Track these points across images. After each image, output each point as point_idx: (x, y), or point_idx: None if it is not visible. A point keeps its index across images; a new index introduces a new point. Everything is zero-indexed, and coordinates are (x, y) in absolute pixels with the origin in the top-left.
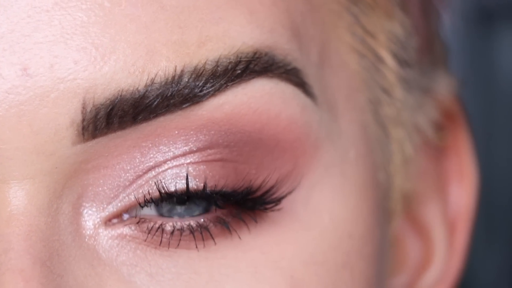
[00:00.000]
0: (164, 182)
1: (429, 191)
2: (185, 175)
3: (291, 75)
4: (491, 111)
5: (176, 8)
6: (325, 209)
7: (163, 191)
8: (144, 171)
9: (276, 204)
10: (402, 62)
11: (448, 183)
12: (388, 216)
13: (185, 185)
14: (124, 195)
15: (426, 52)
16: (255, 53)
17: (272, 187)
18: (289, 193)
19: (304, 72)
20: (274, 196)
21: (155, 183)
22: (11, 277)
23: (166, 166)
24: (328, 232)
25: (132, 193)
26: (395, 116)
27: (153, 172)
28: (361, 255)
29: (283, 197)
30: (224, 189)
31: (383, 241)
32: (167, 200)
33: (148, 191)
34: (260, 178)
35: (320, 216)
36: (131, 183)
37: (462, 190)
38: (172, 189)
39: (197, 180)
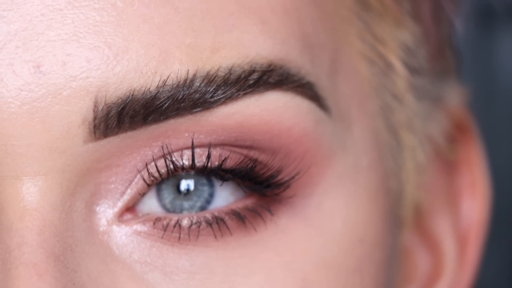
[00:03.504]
0: (170, 157)
1: (440, 204)
2: (191, 153)
3: (306, 89)
4: (491, 111)
5: (189, 10)
6: (338, 215)
7: (170, 158)
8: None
9: (285, 188)
10: (412, 70)
11: (460, 197)
12: (399, 223)
13: (191, 161)
14: (133, 184)
15: (437, 60)
16: (269, 65)
17: (278, 173)
18: (296, 176)
19: (318, 85)
20: (282, 174)
21: (164, 158)
22: (25, 271)
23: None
24: (340, 237)
25: (139, 175)
26: (407, 123)
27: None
28: (372, 260)
29: (291, 179)
30: (228, 165)
31: (393, 248)
32: (172, 175)
33: (156, 166)
34: (266, 170)
35: (333, 222)
36: (140, 170)
37: (474, 204)
38: (178, 163)
39: (203, 157)
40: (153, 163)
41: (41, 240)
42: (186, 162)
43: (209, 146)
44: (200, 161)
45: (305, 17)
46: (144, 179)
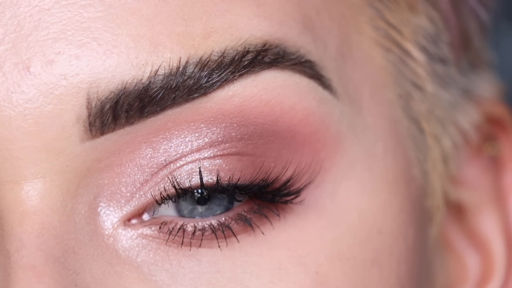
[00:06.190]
0: (180, 178)
1: (486, 203)
2: (199, 170)
3: (306, 67)
4: None
5: (178, 0)
6: (352, 205)
7: (178, 187)
8: (158, 166)
9: (296, 196)
10: (434, 57)
11: (508, 195)
12: (428, 216)
13: (199, 180)
14: (141, 193)
15: (462, 50)
16: (264, 45)
17: (290, 179)
18: (309, 184)
19: (321, 65)
20: (293, 187)
21: (170, 179)
22: (23, 274)
23: (181, 163)
24: (356, 228)
25: (149, 191)
26: (429, 111)
27: (168, 168)
28: (391, 252)
29: (302, 189)
30: (240, 182)
31: (419, 241)
32: (184, 197)
33: (164, 188)
34: (278, 170)
35: (348, 212)
36: (147, 181)
37: None
38: (187, 184)
39: (212, 174)
40: (157, 188)
41: (40, 243)
42: (194, 182)
43: (217, 172)
44: (210, 178)
45: (306, 2)
46: (156, 200)
